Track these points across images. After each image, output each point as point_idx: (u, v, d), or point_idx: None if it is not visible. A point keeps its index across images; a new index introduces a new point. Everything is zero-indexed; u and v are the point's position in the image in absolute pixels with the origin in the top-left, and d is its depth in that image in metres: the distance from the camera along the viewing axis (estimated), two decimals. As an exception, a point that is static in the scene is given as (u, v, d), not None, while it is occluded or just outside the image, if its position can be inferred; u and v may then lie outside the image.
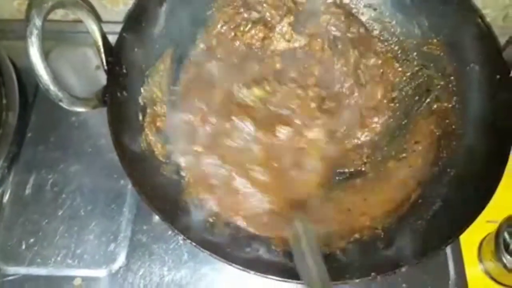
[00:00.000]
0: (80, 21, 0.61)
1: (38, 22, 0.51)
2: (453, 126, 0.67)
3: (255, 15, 0.77)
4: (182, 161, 0.66)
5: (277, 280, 0.51)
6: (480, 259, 0.69)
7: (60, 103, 0.55)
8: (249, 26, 0.77)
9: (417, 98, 0.72)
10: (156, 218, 0.70)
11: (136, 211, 0.71)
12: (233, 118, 0.69)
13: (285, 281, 0.52)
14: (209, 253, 0.52)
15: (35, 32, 0.50)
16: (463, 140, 0.65)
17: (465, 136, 0.65)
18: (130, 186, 0.72)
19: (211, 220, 0.62)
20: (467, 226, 0.54)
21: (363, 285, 0.65)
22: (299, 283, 0.50)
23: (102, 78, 0.71)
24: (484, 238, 0.69)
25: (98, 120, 0.77)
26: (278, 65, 0.76)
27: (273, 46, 0.77)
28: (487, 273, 0.68)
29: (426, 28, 0.73)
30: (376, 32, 0.76)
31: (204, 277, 0.67)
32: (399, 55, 0.75)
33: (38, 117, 0.79)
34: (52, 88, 0.53)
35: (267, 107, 0.72)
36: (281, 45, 0.78)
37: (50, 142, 0.77)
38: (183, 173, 0.66)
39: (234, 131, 0.69)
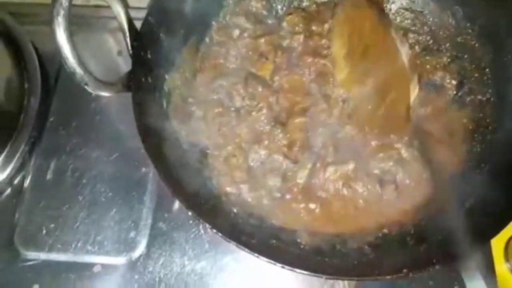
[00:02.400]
0: (102, 7, 0.59)
1: (65, 2, 0.49)
2: (488, 120, 0.65)
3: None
4: (207, 149, 0.65)
5: (304, 274, 0.50)
6: (507, 258, 0.67)
7: (86, 87, 0.54)
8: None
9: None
10: (177, 206, 0.70)
11: (157, 199, 0.71)
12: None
13: (312, 276, 0.50)
14: (235, 243, 0.51)
15: (61, 12, 0.49)
16: (498, 134, 0.63)
17: (500, 130, 0.63)
18: (151, 173, 0.72)
19: (235, 210, 0.60)
20: (503, 226, 0.52)
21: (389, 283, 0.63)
22: (329, 278, 0.49)
23: (123, 65, 0.70)
24: (511, 237, 0.67)
25: (120, 106, 0.76)
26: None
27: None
28: (513, 272, 0.66)
29: (460, 17, 0.70)
30: (407, 22, 0.73)
31: (225, 268, 0.66)
32: (431, 46, 0.72)
33: (60, 102, 0.78)
34: (78, 71, 0.52)
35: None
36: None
37: (72, 127, 0.76)
38: (207, 162, 0.64)
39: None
